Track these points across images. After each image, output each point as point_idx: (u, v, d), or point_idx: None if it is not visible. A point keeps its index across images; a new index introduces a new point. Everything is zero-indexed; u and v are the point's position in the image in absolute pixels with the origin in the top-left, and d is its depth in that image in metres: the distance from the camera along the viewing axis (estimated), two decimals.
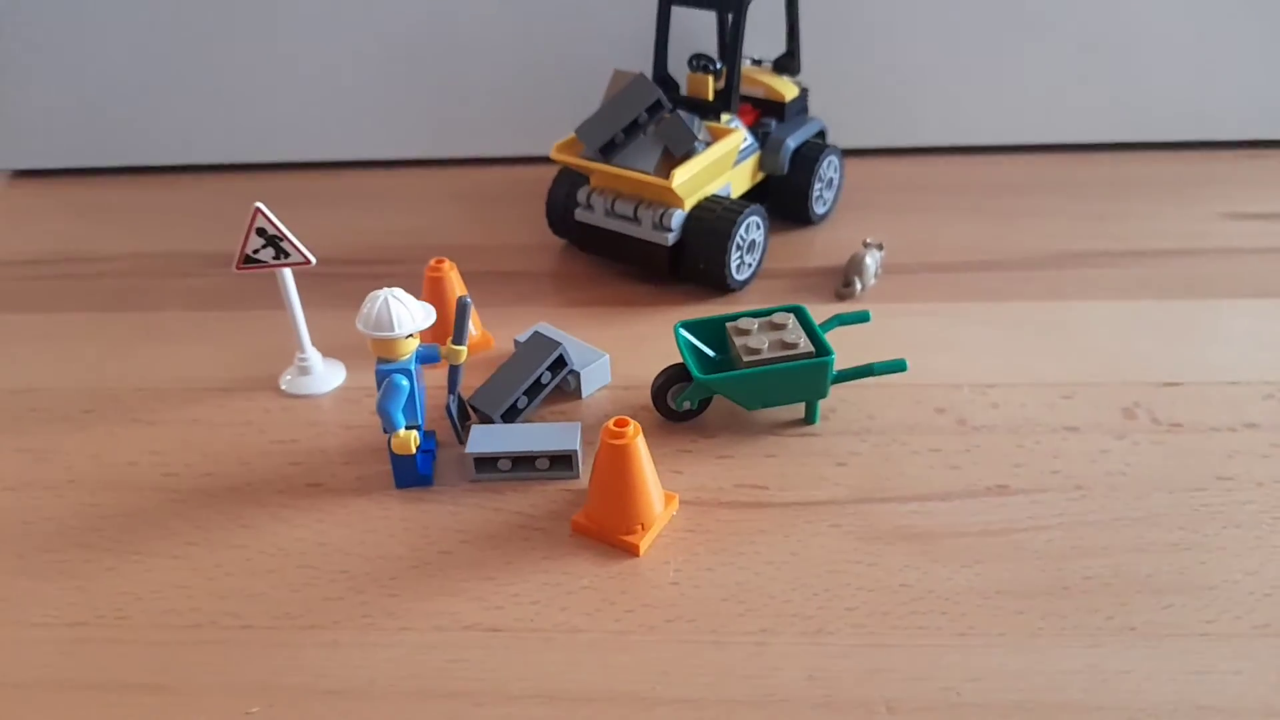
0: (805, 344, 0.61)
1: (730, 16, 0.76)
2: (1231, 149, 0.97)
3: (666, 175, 0.72)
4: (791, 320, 0.63)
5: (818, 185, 0.84)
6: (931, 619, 0.50)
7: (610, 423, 0.54)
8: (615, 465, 0.53)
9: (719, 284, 0.76)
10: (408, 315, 0.55)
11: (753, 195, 0.83)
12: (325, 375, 0.69)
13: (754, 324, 0.63)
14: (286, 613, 0.52)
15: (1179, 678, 0.47)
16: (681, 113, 0.74)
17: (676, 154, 0.73)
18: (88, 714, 0.48)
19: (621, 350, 0.70)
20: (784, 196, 0.84)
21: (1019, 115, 0.96)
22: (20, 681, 0.49)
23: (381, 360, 0.56)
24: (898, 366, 0.62)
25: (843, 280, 0.77)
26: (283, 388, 0.69)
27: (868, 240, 0.79)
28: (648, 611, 0.51)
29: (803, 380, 0.61)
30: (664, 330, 0.73)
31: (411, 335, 0.56)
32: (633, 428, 0.53)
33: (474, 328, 0.72)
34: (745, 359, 0.61)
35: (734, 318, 0.65)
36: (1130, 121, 0.96)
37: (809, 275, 0.80)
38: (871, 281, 0.77)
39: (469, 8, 0.92)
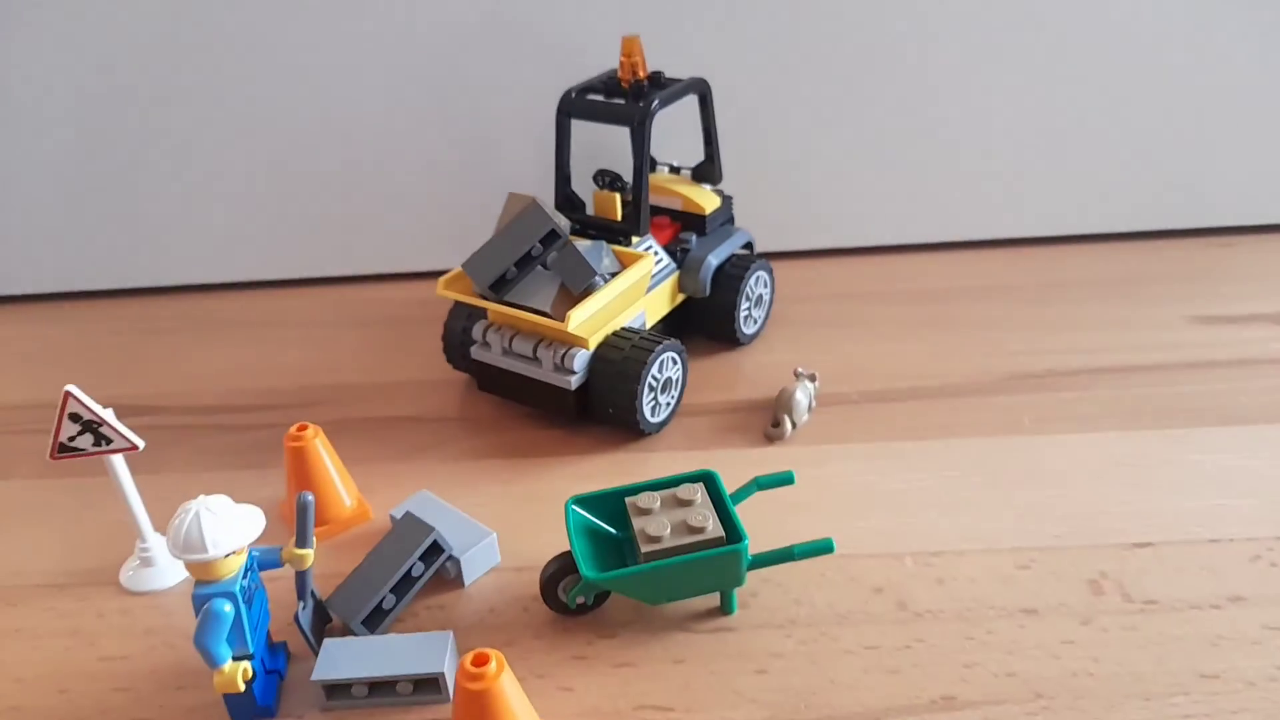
0: (714, 527, 0.53)
1: (632, 130, 0.68)
2: (1189, 237, 0.90)
3: (565, 311, 0.64)
4: (700, 493, 0.55)
5: (745, 304, 0.76)
6: None
7: (467, 660, 0.44)
8: (475, 711, 0.44)
9: (631, 428, 0.67)
10: (224, 531, 0.46)
11: (673, 319, 0.75)
12: (171, 566, 0.60)
13: (656, 500, 0.54)
14: None
15: None
16: (581, 243, 0.66)
17: (575, 291, 0.65)
18: None
19: (516, 519, 0.61)
20: (708, 318, 0.76)
21: (962, 206, 0.89)
22: None
23: (200, 583, 0.47)
24: (823, 548, 0.53)
25: (772, 419, 0.69)
26: (123, 583, 0.59)
27: (799, 370, 0.71)
28: None
29: (713, 570, 0.52)
30: (567, 489, 0.63)
31: (233, 553, 0.47)
32: (494, 664, 0.44)
33: (348, 496, 0.63)
34: (644, 549, 0.52)
35: (634, 490, 0.56)
36: (1075, 211, 0.89)
37: (735, 410, 0.72)
38: (804, 419, 0.69)
39: (360, 108, 0.85)
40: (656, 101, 0.68)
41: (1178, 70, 0.83)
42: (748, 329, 0.78)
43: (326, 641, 0.52)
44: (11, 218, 0.89)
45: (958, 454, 0.65)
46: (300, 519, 0.50)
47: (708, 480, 0.56)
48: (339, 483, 0.62)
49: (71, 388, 0.52)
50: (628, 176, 0.72)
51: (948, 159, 0.86)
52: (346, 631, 0.54)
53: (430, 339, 0.80)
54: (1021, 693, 0.49)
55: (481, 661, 0.44)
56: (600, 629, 0.54)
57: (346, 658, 0.51)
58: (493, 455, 0.68)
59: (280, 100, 0.85)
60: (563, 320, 0.63)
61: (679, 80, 0.71)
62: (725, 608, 0.54)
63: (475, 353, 0.70)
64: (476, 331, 0.70)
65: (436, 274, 0.90)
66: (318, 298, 0.91)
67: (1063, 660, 0.51)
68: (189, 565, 0.46)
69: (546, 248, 0.66)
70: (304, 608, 0.53)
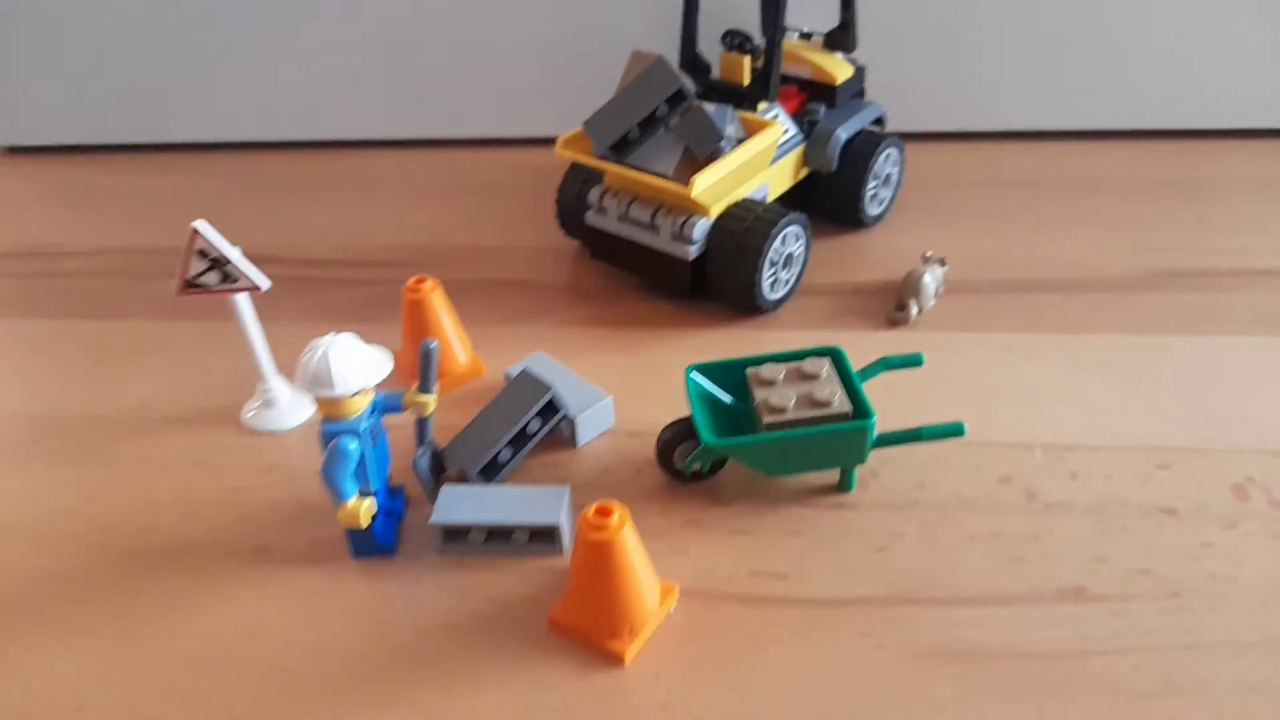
0: (840, 402, 0.51)
1: None
2: None
3: (688, 177, 0.61)
4: (826, 368, 0.53)
5: (872, 184, 0.72)
6: None
7: (590, 511, 0.44)
8: (596, 562, 0.44)
9: (748, 305, 0.65)
10: (353, 371, 0.46)
11: (795, 195, 0.72)
12: (292, 408, 0.60)
13: (780, 372, 0.53)
14: (208, 716, 0.44)
15: None
16: (707, 106, 0.63)
17: (700, 155, 0.62)
18: None
19: (630, 386, 0.60)
20: (832, 196, 0.73)
21: (1119, 93, 0.82)
22: None
23: (327, 419, 0.47)
24: (953, 431, 0.51)
25: (896, 303, 0.66)
26: (245, 422, 0.61)
27: (928, 254, 0.67)
28: None
29: (836, 446, 0.51)
30: (681, 361, 0.62)
31: (360, 392, 0.47)
32: (617, 517, 0.44)
33: (463, 352, 0.63)
34: (766, 420, 0.50)
35: (757, 361, 0.54)
36: (1240, 105, 0.82)
37: (857, 293, 0.69)
38: (930, 304, 0.66)
39: None
40: None
41: None
42: (873, 210, 0.74)
43: (444, 488, 0.52)
44: (126, 66, 0.89)
45: (1096, 350, 0.62)
46: (424, 365, 0.50)
47: (834, 356, 0.54)
48: (454, 338, 0.62)
49: (200, 224, 0.52)
50: (757, 39, 0.69)
51: (1104, 40, 0.80)
52: (462, 481, 0.54)
53: (541, 205, 0.79)
54: (1156, 590, 0.47)
55: (605, 513, 0.44)
56: (714, 497, 0.53)
57: (465, 504, 0.51)
58: (605, 324, 0.67)
59: None
60: (686, 185, 0.60)
61: None
62: (844, 485, 0.53)
63: (590, 218, 0.68)
64: (593, 196, 0.68)
65: (550, 140, 0.89)
66: (429, 160, 0.90)
67: (1202, 563, 0.48)
68: (318, 401, 0.47)
69: (671, 109, 0.63)
70: (422, 454, 0.53)
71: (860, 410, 0.50)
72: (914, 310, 0.65)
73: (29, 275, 0.77)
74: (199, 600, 0.50)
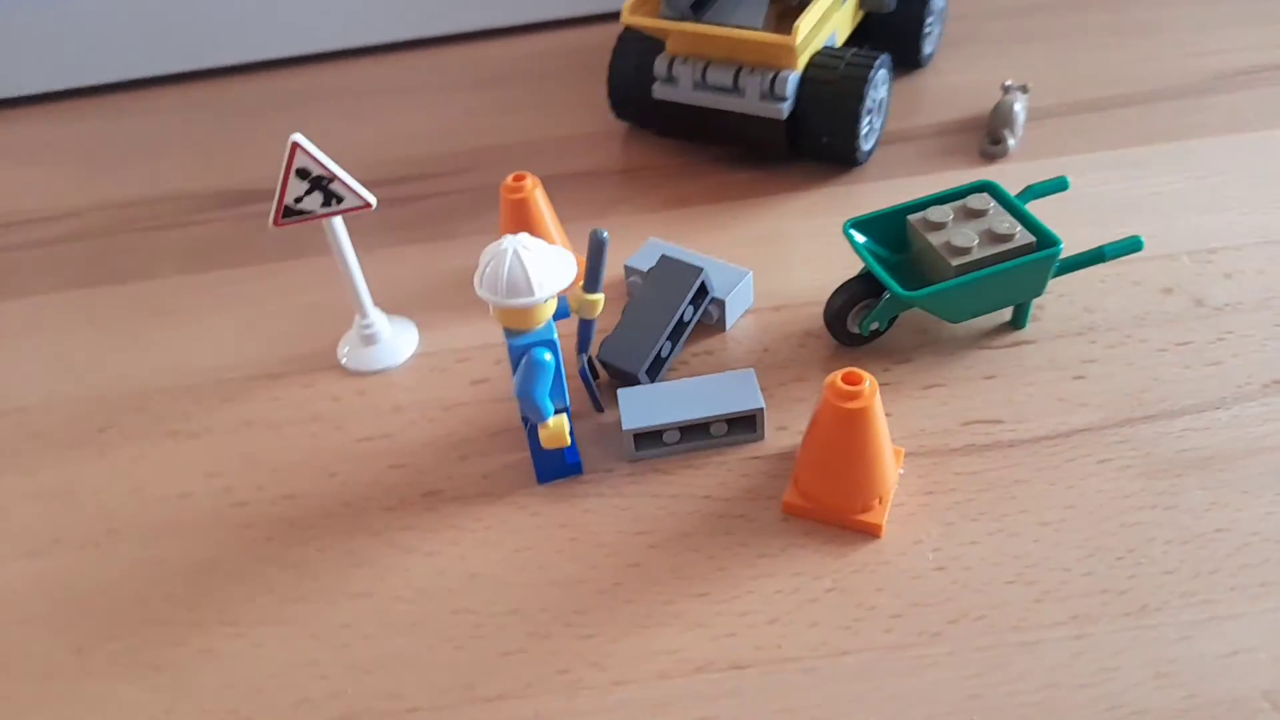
0: (1022, 233, 0.49)
1: None
2: None
3: (776, 31, 0.57)
4: (991, 203, 0.50)
5: (929, 19, 0.69)
6: (1272, 571, 0.40)
7: (838, 378, 0.41)
8: (848, 432, 0.41)
9: (846, 158, 0.62)
10: (548, 273, 0.41)
11: (853, 41, 0.68)
12: (396, 341, 0.55)
13: (948, 213, 0.50)
14: (460, 682, 0.40)
15: None
16: None
17: (791, 1, 0.58)
18: None
19: (753, 261, 0.57)
20: (888, 37, 0.69)
21: None
22: None
23: (512, 332, 0.42)
24: (1133, 246, 0.50)
25: (990, 137, 0.64)
26: (344, 364, 0.54)
27: (1008, 83, 0.65)
28: (921, 613, 0.40)
29: (1023, 279, 0.49)
30: (794, 228, 0.60)
31: (549, 299, 0.42)
32: (869, 384, 0.41)
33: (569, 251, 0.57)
34: (955, 262, 0.48)
35: (916, 206, 0.51)
36: None
37: (938, 133, 0.66)
38: (1021, 133, 0.64)
39: None
40: None
41: None
42: (927, 48, 0.71)
43: (621, 392, 0.48)
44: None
45: (1195, 155, 0.61)
46: (594, 259, 0.45)
47: (990, 190, 0.51)
48: (559, 237, 0.57)
49: (298, 137, 0.45)
50: None
51: None
52: (619, 384, 0.50)
53: (574, 93, 0.73)
54: None
55: (855, 380, 0.41)
56: (891, 357, 0.51)
57: (652, 405, 0.47)
58: (697, 202, 0.63)
59: None
60: (790, 33, 0.56)
61: None
62: (1018, 322, 0.51)
63: (659, 90, 0.63)
64: (659, 67, 0.62)
65: (561, 24, 0.82)
66: (442, 59, 0.81)
67: None
68: (505, 312, 0.41)
69: None
70: (585, 360, 0.48)
71: (1045, 239, 0.49)
72: (1010, 141, 0.63)
73: (17, 247, 0.67)
74: (384, 560, 0.45)
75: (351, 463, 0.49)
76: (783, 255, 0.57)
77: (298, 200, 0.47)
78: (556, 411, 0.44)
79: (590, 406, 0.50)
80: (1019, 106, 0.63)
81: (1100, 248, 0.50)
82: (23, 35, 0.78)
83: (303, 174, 0.46)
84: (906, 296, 0.47)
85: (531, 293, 0.40)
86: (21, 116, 0.80)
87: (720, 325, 0.54)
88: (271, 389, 0.54)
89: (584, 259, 0.48)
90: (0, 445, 0.53)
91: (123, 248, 0.65)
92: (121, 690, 0.41)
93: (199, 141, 0.74)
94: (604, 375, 0.51)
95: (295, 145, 0.45)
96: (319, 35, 0.81)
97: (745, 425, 0.47)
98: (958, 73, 0.72)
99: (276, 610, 0.43)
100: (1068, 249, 0.50)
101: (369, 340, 0.54)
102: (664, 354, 0.50)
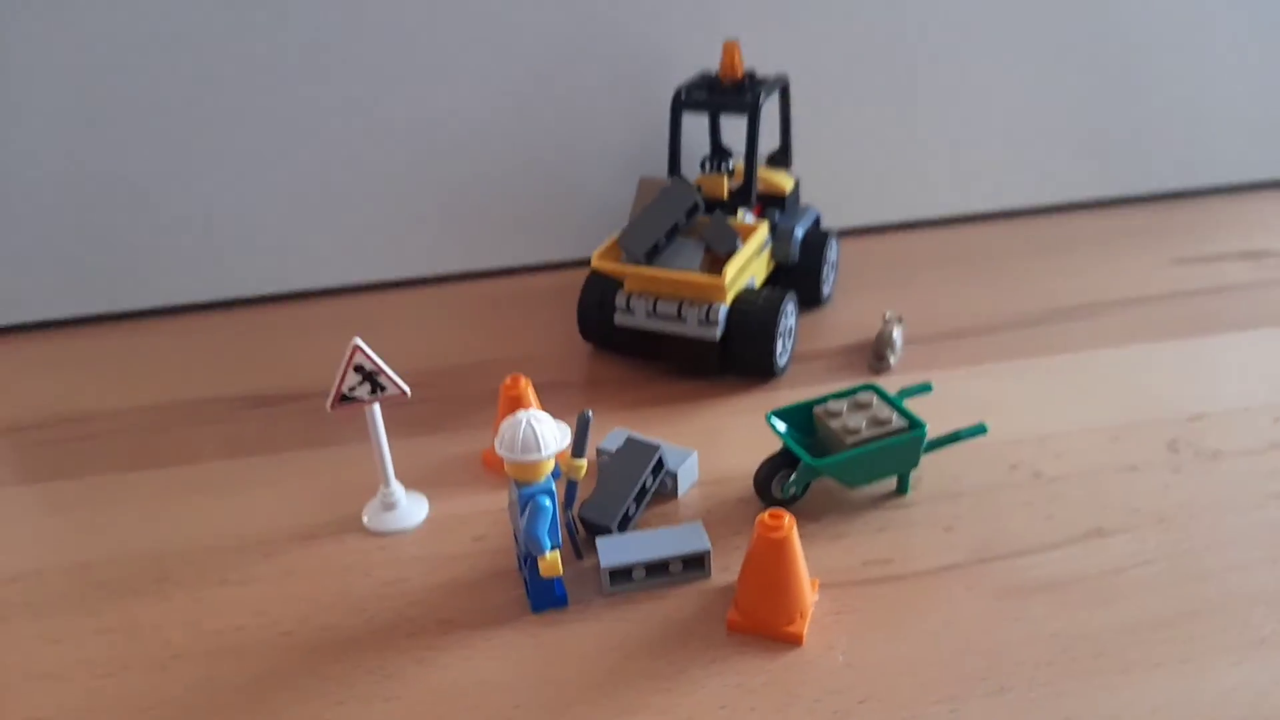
0: (897, 419, 0.65)
1: (748, 117, 0.80)
2: (1167, 200, 1.09)
3: (709, 274, 0.75)
4: (875, 399, 0.67)
5: (825, 268, 0.90)
6: (1090, 661, 0.54)
7: (765, 516, 0.55)
8: (774, 558, 0.55)
9: (765, 372, 0.79)
10: (551, 436, 0.55)
11: (768, 284, 0.88)
12: (411, 508, 0.67)
13: (843, 406, 0.67)
14: None
15: None
16: (718, 213, 0.78)
17: (721, 253, 0.77)
18: None
19: (695, 446, 0.72)
20: (794, 282, 0.89)
21: (971, 183, 1.05)
22: None
23: (521, 483, 0.56)
24: (980, 430, 0.67)
25: (875, 355, 0.82)
26: (367, 525, 0.66)
27: (888, 314, 0.84)
28: (836, 698, 0.53)
29: (900, 453, 0.64)
30: (726, 423, 0.75)
31: (552, 457, 0.56)
32: (788, 520, 0.55)
33: None
34: (849, 440, 0.64)
35: (820, 402, 0.68)
36: (1064, 182, 1.07)
37: (835, 354, 0.84)
38: (899, 354, 0.82)
39: (463, 127, 0.94)
40: (763, 91, 0.81)
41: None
42: (826, 290, 0.91)
43: (599, 540, 0.61)
44: (95, 236, 0.93)
45: (1034, 369, 0.80)
46: (580, 433, 0.59)
47: (874, 389, 0.68)
48: None
49: (358, 340, 0.60)
50: (729, 162, 0.85)
51: (961, 150, 1.03)
52: (596, 535, 0.63)
53: (540, 321, 0.90)
54: (1149, 520, 0.63)
55: (778, 516, 0.55)
56: (807, 515, 0.65)
57: (623, 549, 0.60)
58: (650, 405, 0.78)
59: (385, 116, 0.93)
60: (720, 275, 0.74)
61: (768, 77, 0.84)
62: (902, 489, 0.67)
63: (619, 319, 0.80)
64: (620, 301, 0.80)
65: (515, 270, 1.00)
66: (420, 296, 0.98)
67: (1170, 495, 0.65)
68: (516, 467, 0.55)
69: (688, 220, 0.77)
70: (569, 515, 0.62)
71: (914, 424, 0.65)
72: (891, 359, 0.81)
73: (76, 438, 0.79)
74: (409, 672, 0.55)
75: (377, 600, 0.61)
76: (720, 442, 0.73)
77: (351, 389, 0.61)
78: (552, 548, 0.57)
79: (572, 554, 0.62)
80: (896, 333, 0.82)
81: (956, 431, 0.67)
82: (79, 266, 0.94)
83: (359, 369, 0.61)
84: (814, 464, 0.62)
85: (539, 450, 0.54)
86: (83, 334, 0.95)
87: (674, 493, 0.68)
88: (308, 546, 0.65)
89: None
90: (68, 593, 0.63)
91: (166, 439, 0.78)
92: None
93: (231, 357, 0.89)
94: (582, 531, 0.64)
95: (356, 347, 0.60)
96: (334, 272, 0.98)
97: (696, 564, 0.60)
98: (850, 308, 0.91)
99: (319, 712, 0.53)
100: (934, 435, 0.66)
101: (389, 507, 0.67)
102: (630, 513, 0.64)
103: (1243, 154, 1.08)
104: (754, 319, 0.77)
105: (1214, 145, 1.07)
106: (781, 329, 0.79)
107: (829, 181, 1.00)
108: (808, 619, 0.56)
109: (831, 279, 0.93)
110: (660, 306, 0.78)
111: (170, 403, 0.83)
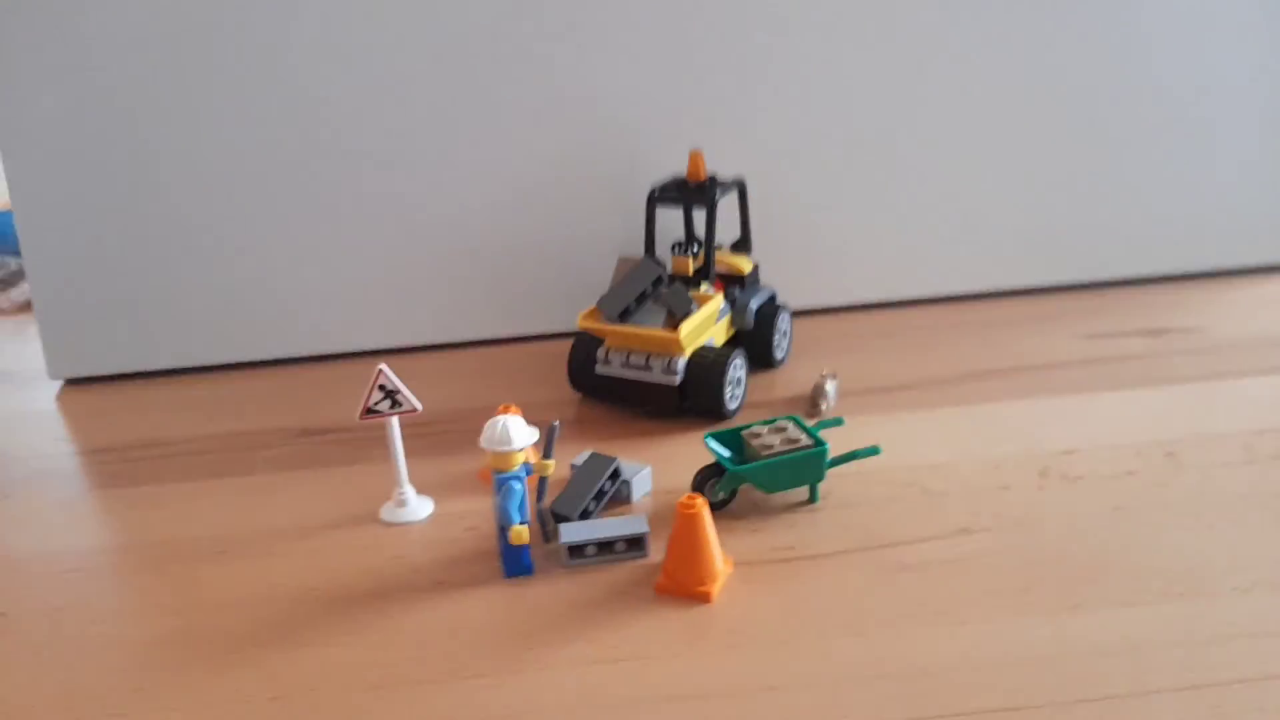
0: (805, 439, 0.81)
1: (706, 211, 1.00)
2: (1083, 289, 1.26)
3: (673, 332, 0.93)
4: (791, 425, 0.84)
5: (777, 336, 1.07)
6: (934, 617, 0.68)
7: (683, 499, 0.71)
8: (688, 530, 0.71)
9: (716, 413, 0.96)
10: (520, 434, 0.72)
11: (728, 346, 1.05)
12: (419, 506, 0.84)
13: (764, 429, 0.83)
14: (466, 666, 0.66)
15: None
16: (678, 284, 0.97)
17: (677, 314, 0.95)
18: None
19: (653, 465, 0.88)
20: (751, 347, 1.06)
21: (911, 272, 1.23)
22: None
23: (498, 471, 0.73)
24: (874, 451, 0.83)
25: (810, 403, 0.98)
26: (383, 519, 0.83)
27: (824, 371, 1.01)
28: (733, 635, 0.68)
29: (807, 466, 0.80)
30: (681, 451, 0.92)
31: (522, 449, 0.73)
32: (700, 501, 0.71)
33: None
34: (764, 453, 0.80)
35: (748, 426, 0.84)
36: (992, 271, 1.24)
37: (781, 404, 1.01)
38: (832, 403, 0.99)
39: (474, 218, 1.15)
40: (719, 191, 1.00)
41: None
42: (778, 354, 1.08)
43: (561, 525, 0.77)
44: (156, 297, 1.14)
45: (939, 417, 0.96)
46: (548, 438, 0.76)
47: (793, 419, 0.85)
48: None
49: (383, 366, 0.79)
50: (695, 247, 1.04)
51: (903, 242, 1.21)
52: (560, 524, 0.79)
53: (536, 378, 1.08)
54: (1009, 522, 0.78)
55: (692, 499, 0.71)
56: (734, 516, 0.81)
57: (580, 531, 0.76)
58: (618, 438, 0.95)
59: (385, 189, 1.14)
60: (676, 332, 0.92)
61: (727, 179, 1.04)
62: (812, 498, 0.82)
63: (600, 369, 0.98)
64: (600, 354, 0.98)
65: (513, 340, 1.19)
66: (434, 360, 1.17)
67: (1033, 506, 0.80)
68: (495, 456, 0.72)
69: (655, 288, 0.96)
70: (540, 507, 0.78)
71: (818, 443, 0.81)
72: (824, 406, 0.98)
73: (158, 457, 0.97)
74: (408, 615, 0.72)
75: (385, 567, 0.77)
76: (673, 461, 0.89)
77: (375, 404, 0.79)
78: (520, 523, 0.73)
79: (542, 538, 0.79)
80: (830, 385, 0.99)
81: (854, 451, 0.83)
82: (154, 326, 1.14)
83: (382, 388, 0.79)
84: (735, 470, 0.79)
85: (510, 443, 0.72)
86: (170, 383, 1.15)
87: (629, 499, 0.84)
88: (333, 532, 0.83)
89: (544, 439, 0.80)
90: (150, 559, 0.80)
91: (228, 459, 0.96)
92: (235, 677, 0.66)
93: (282, 401, 1.08)
94: (551, 521, 0.80)
95: (380, 370, 0.78)
96: (367, 337, 1.18)
97: (637, 545, 0.76)
98: (798, 370, 1.08)
99: (333, 641, 0.69)
100: (836, 454, 0.82)
101: (401, 504, 0.84)
102: (590, 509, 0.80)
103: (1147, 249, 1.25)
104: (707, 369, 0.95)
105: (1124, 240, 1.24)
106: (730, 378, 0.96)
107: (790, 267, 1.18)
108: (718, 583, 0.72)
109: (785, 346, 1.10)
110: (632, 358, 0.96)
111: (232, 433, 1.02)
